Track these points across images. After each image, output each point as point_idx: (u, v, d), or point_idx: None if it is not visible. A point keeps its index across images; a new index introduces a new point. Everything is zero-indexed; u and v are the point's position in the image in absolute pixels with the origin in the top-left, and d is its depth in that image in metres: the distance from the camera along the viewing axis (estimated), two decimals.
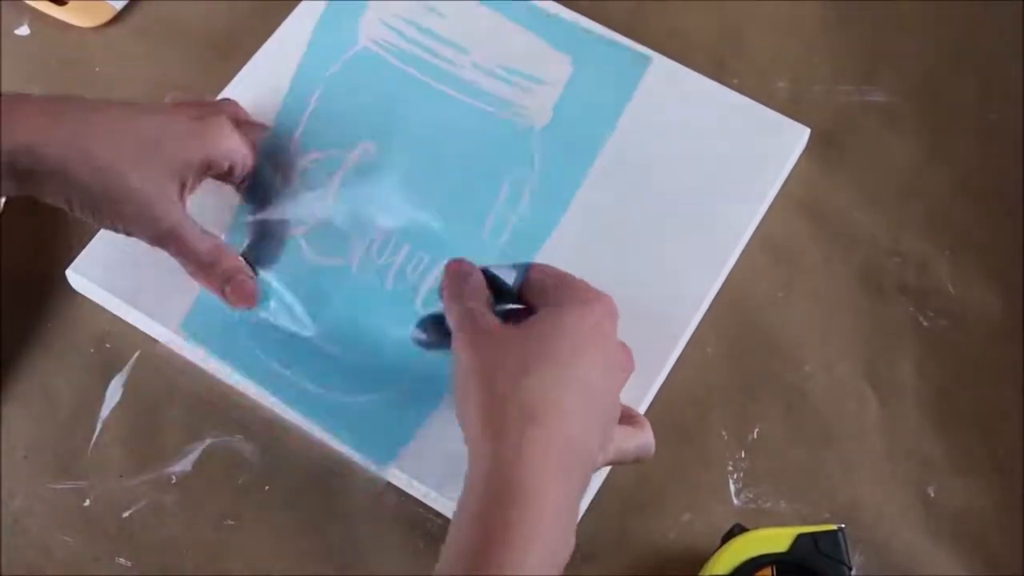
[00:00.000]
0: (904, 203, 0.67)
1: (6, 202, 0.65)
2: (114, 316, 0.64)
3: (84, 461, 0.61)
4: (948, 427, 0.61)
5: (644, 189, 0.64)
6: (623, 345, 0.53)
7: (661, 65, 0.63)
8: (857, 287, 0.65)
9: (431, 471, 0.57)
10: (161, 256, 0.60)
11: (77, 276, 0.63)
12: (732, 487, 0.60)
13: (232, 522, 0.60)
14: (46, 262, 0.65)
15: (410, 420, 0.58)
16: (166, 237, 0.57)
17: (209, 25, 0.72)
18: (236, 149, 0.59)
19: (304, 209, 0.60)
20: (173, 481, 0.60)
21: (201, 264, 0.58)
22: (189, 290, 0.61)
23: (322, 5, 0.63)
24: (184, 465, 0.61)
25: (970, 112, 0.69)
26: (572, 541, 0.48)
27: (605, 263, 0.62)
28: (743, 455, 0.60)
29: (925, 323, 0.64)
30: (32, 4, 0.72)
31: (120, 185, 0.55)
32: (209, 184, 0.61)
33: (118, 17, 0.73)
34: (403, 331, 0.57)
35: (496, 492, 0.47)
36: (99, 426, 0.62)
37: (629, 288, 0.61)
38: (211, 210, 0.62)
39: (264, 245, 0.61)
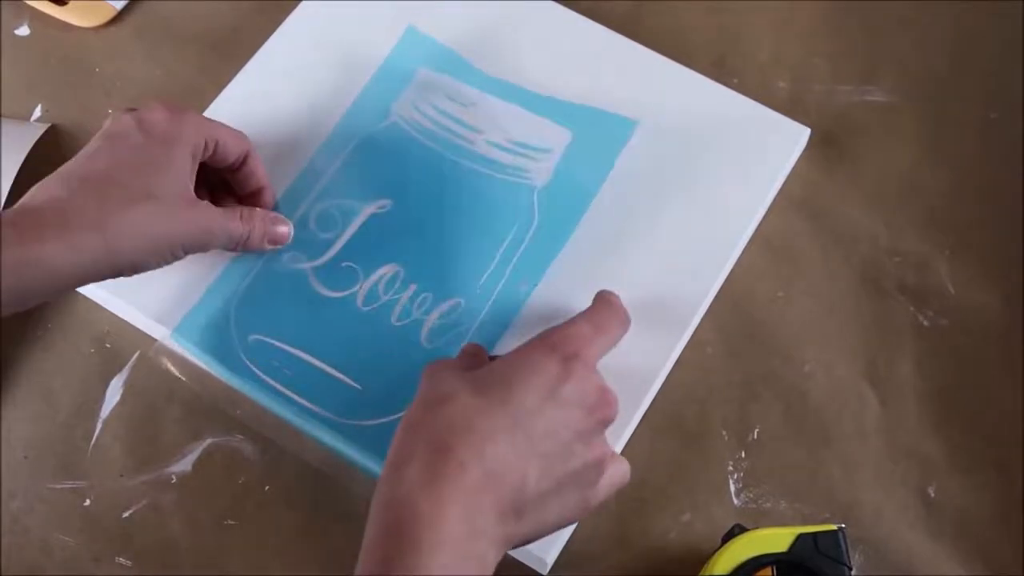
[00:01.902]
0: (904, 203, 0.67)
1: (6, 202, 0.65)
2: (114, 316, 0.64)
3: (84, 461, 0.61)
4: (948, 427, 0.61)
5: (643, 189, 0.64)
6: (602, 389, 0.51)
7: (652, 118, 0.66)
8: (857, 287, 0.65)
9: None
10: None
11: None
12: (732, 487, 0.60)
13: (232, 522, 0.60)
14: None
15: None
16: (211, 242, 0.59)
17: (210, 25, 0.72)
18: (217, 131, 0.60)
19: (315, 246, 0.63)
20: (173, 481, 0.60)
21: (240, 242, 0.60)
22: (190, 294, 0.62)
23: (361, 83, 0.68)
24: (184, 465, 0.61)
25: (970, 112, 0.69)
26: (489, 570, 0.47)
27: (604, 263, 0.63)
28: (743, 455, 0.61)
29: (925, 323, 0.64)
30: (32, 4, 0.72)
31: (160, 242, 0.56)
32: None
33: (118, 17, 0.73)
34: (410, 360, 0.60)
35: (391, 520, 0.46)
36: (99, 426, 0.62)
37: (629, 288, 0.62)
38: None
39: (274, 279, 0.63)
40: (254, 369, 0.60)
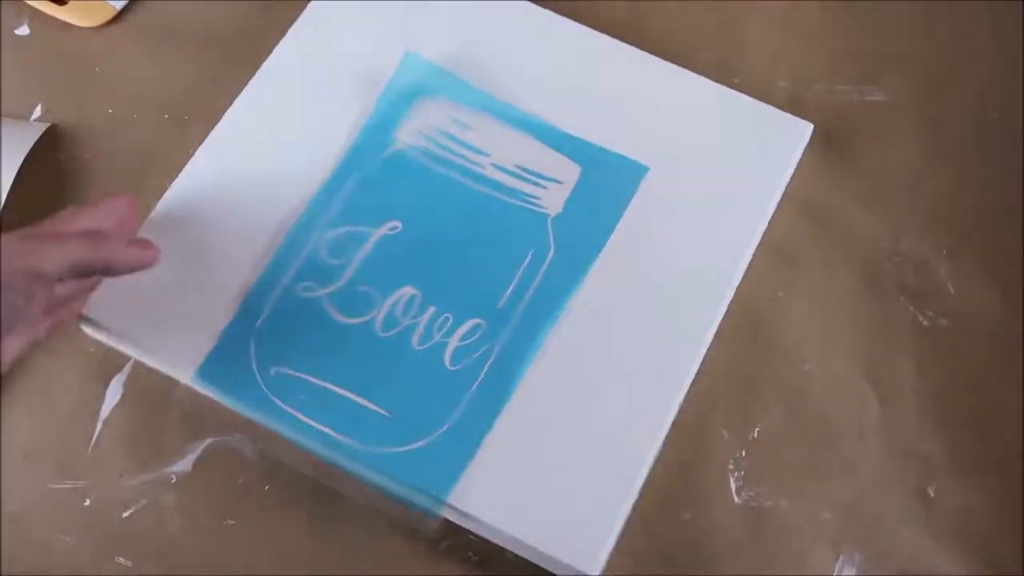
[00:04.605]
0: (904, 203, 0.67)
1: (6, 202, 0.65)
2: None
3: (84, 461, 0.61)
4: (948, 427, 0.62)
5: (651, 199, 0.64)
6: None
7: (658, 177, 0.66)
8: (857, 287, 0.65)
9: (487, 501, 0.57)
10: (175, 300, 0.61)
11: (89, 328, 0.62)
12: (733, 485, 0.60)
13: (232, 522, 0.60)
14: None
15: (460, 456, 0.58)
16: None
17: (210, 25, 0.72)
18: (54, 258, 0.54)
19: (328, 273, 0.63)
20: (173, 481, 0.60)
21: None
22: (207, 335, 0.61)
23: (363, 115, 0.67)
24: (184, 465, 0.61)
25: (970, 112, 0.69)
26: None
27: (618, 279, 0.62)
28: (744, 454, 0.61)
29: (925, 323, 0.64)
30: (32, 4, 0.72)
31: None
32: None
33: (118, 17, 0.73)
34: (436, 383, 0.60)
35: None
36: (99, 426, 0.62)
37: (645, 301, 0.62)
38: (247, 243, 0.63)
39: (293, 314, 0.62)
40: (279, 403, 0.59)
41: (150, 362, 0.62)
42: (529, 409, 0.59)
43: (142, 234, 0.62)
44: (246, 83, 0.68)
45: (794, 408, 0.62)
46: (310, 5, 0.70)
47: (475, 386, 0.60)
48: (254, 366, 0.60)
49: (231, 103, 0.68)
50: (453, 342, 0.61)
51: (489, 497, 0.57)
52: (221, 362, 0.60)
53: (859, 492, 0.60)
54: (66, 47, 0.72)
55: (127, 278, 0.58)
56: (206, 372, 0.60)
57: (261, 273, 0.62)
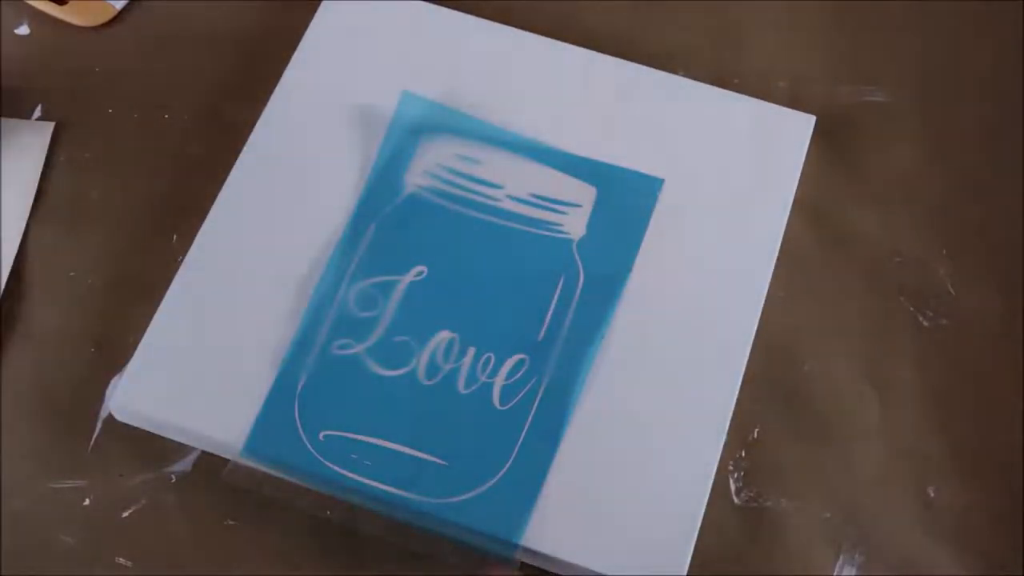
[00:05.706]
0: (904, 203, 0.67)
1: (33, 203, 0.65)
2: (114, 315, 0.64)
3: (84, 461, 0.61)
4: (948, 427, 0.62)
5: (672, 210, 0.64)
6: None
7: (674, 187, 0.65)
8: (857, 287, 0.65)
9: (562, 538, 0.57)
10: (207, 379, 0.60)
11: (121, 413, 0.61)
12: (732, 486, 0.60)
13: (232, 522, 0.60)
14: (46, 262, 0.65)
15: (527, 495, 0.58)
16: None
17: (211, 25, 0.72)
18: None
19: (362, 328, 0.61)
20: (173, 481, 0.60)
21: None
22: (246, 409, 0.59)
23: (367, 161, 0.66)
24: (184, 465, 0.61)
25: (970, 112, 0.69)
26: None
27: (653, 294, 0.62)
28: (743, 454, 0.61)
29: (925, 323, 0.64)
30: (32, 4, 0.72)
31: None
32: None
33: (118, 17, 0.73)
34: (488, 425, 0.59)
35: None
36: (99, 426, 0.62)
37: (684, 311, 0.62)
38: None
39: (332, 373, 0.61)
40: (333, 467, 0.58)
41: (192, 444, 0.61)
42: (587, 437, 0.58)
43: (162, 314, 0.61)
44: (246, 83, 0.68)
45: (794, 408, 0.62)
46: (297, 53, 0.68)
47: (529, 422, 0.59)
48: (301, 433, 0.59)
49: (230, 102, 0.68)
50: (499, 381, 0.60)
51: (562, 533, 0.56)
52: (266, 434, 0.59)
53: (859, 492, 0.60)
54: (66, 47, 0.72)
55: (152, 364, 0.58)
56: (252, 447, 0.59)
57: (293, 336, 0.61)
